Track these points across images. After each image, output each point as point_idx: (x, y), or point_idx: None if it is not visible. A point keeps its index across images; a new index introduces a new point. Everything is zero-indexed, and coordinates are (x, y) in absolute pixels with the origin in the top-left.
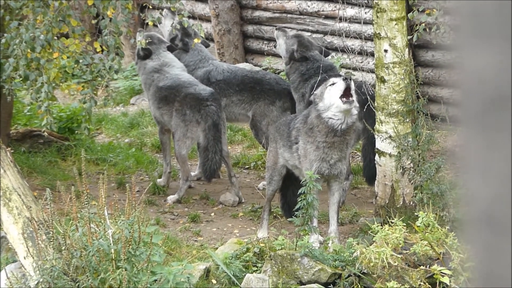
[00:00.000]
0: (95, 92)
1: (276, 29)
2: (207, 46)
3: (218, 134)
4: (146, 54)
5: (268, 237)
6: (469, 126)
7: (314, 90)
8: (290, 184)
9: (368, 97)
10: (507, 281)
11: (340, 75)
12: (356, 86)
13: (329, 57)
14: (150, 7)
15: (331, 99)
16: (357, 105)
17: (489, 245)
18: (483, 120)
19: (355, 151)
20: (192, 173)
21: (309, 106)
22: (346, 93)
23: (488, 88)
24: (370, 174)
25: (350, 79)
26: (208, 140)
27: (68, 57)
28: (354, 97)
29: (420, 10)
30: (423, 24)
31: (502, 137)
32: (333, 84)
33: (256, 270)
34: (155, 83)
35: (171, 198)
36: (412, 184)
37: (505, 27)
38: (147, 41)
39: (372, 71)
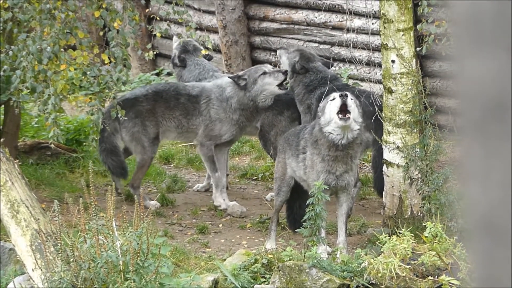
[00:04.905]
0: (102, 104)
1: (278, 49)
2: (209, 59)
3: (105, 146)
4: None
5: (276, 248)
6: (469, 134)
7: (321, 101)
8: (297, 196)
9: (376, 108)
10: (506, 287)
11: (347, 85)
12: (364, 97)
13: (333, 68)
14: (158, 18)
15: (330, 114)
16: (359, 119)
17: (489, 252)
18: (482, 128)
19: (363, 162)
20: (200, 185)
21: (316, 117)
22: (342, 110)
23: (488, 97)
24: (381, 186)
25: (346, 96)
26: (101, 156)
27: (75, 69)
28: (352, 113)
29: (429, 21)
30: (432, 36)
31: (502, 145)
32: (333, 99)
33: (265, 281)
34: None
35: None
36: (420, 194)
37: (503, 35)
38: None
39: (379, 82)
